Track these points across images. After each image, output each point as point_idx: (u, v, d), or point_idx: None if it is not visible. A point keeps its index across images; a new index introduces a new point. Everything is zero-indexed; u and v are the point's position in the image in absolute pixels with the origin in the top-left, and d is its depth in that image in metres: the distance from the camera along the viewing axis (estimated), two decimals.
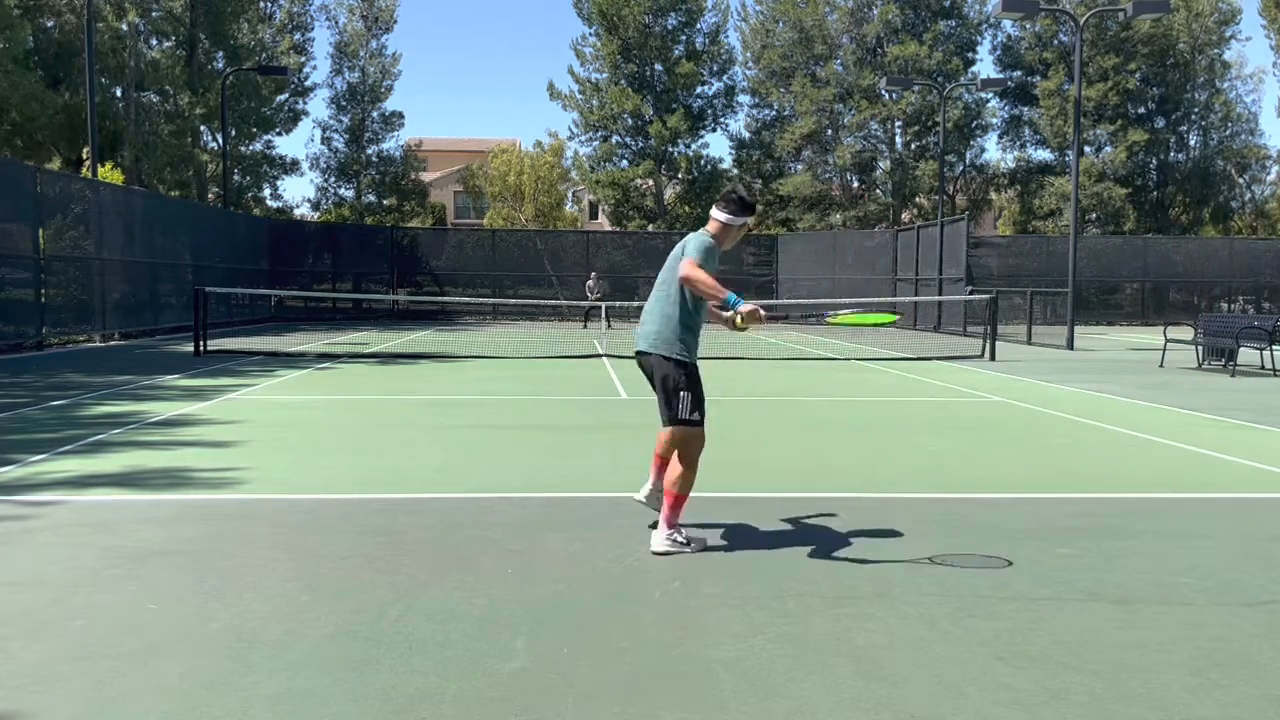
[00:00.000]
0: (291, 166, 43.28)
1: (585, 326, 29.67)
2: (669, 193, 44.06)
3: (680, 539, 4.91)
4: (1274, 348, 15.12)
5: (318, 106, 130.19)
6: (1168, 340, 17.00)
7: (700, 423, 4.96)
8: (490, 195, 50.69)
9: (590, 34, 43.20)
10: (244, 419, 9.33)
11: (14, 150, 29.78)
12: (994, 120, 45.01)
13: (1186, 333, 17.27)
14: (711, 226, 5.07)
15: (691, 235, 5.03)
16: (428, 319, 33.10)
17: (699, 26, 42.85)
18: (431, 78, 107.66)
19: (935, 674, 3.42)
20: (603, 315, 25.07)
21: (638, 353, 5.08)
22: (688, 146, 42.81)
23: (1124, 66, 42.10)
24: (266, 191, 43.74)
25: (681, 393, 4.91)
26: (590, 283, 31.22)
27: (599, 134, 43.72)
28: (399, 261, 35.33)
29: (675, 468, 4.96)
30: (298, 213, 46.05)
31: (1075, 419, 10.00)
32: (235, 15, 36.90)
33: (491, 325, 31.35)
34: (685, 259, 4.83)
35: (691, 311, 4.95)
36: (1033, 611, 4.07)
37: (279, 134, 42.56)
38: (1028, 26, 42.60)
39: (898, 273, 31.48)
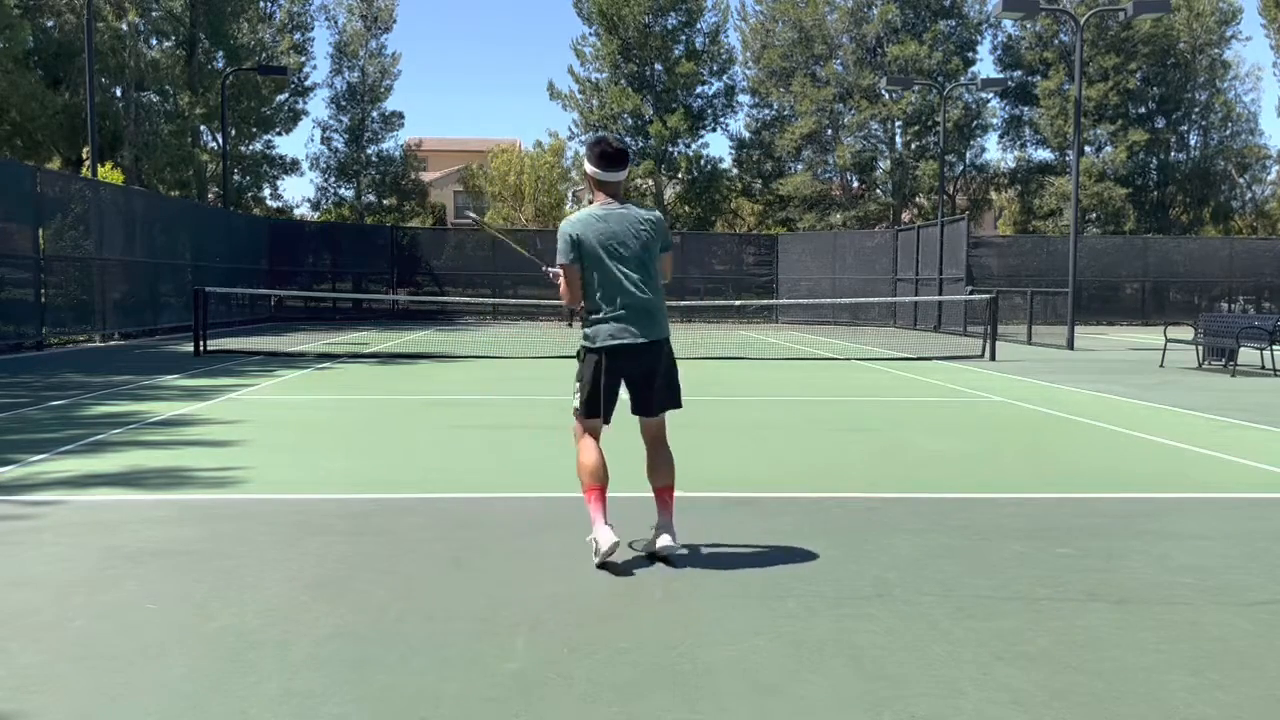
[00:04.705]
0: (291, 166, 43.30)
1: (570, 325, 29.63)
2: (669, 193, 44.06)
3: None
4: (1274, 348, 15.12)
5: (318, 106, 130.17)
6: (1168, 340, 16.99)
7: None
8: (490, 195, 50.65)
9: (590, 34, 43.21)
10: (244, 419, 9.33)
11: (14, 150, 29.77)
12: (994, 120, 45.03)
13: (1187, 333, 17.26)
14: (598, 196, 4.71)
15: (652, 214, 4.71)
16: (428, 319, 33.09)
17: (699, 26, 42.83)
18: (431, 78, 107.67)
19: (935, 674, 3.41)
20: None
21: (651, 343, 4.63)
22: (688, 146, 42.81)
23: (1124, 66, 42.08)
24: (266, 191, 43.79)
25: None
26: None
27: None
28: (399, 261, 35.33)
29: (667, 456, 4.76)
30: (298, 213, 46.08)
31: (1075, 419, 10.00)
32: (235, 15, 36.91)
33: (491, 325, 31.35)
34: (669, 255, 4.79)
35: None
36: (1033, 611, 4.07)
37: (279, 134, 42.61)
38: (1028, 26, 42.57)
39: (898, 273, 31.48)
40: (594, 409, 4.68)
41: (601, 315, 4.61)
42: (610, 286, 4.58)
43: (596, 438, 4.75)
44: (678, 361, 4.88)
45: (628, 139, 43.13)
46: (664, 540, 4.64)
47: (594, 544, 4.55)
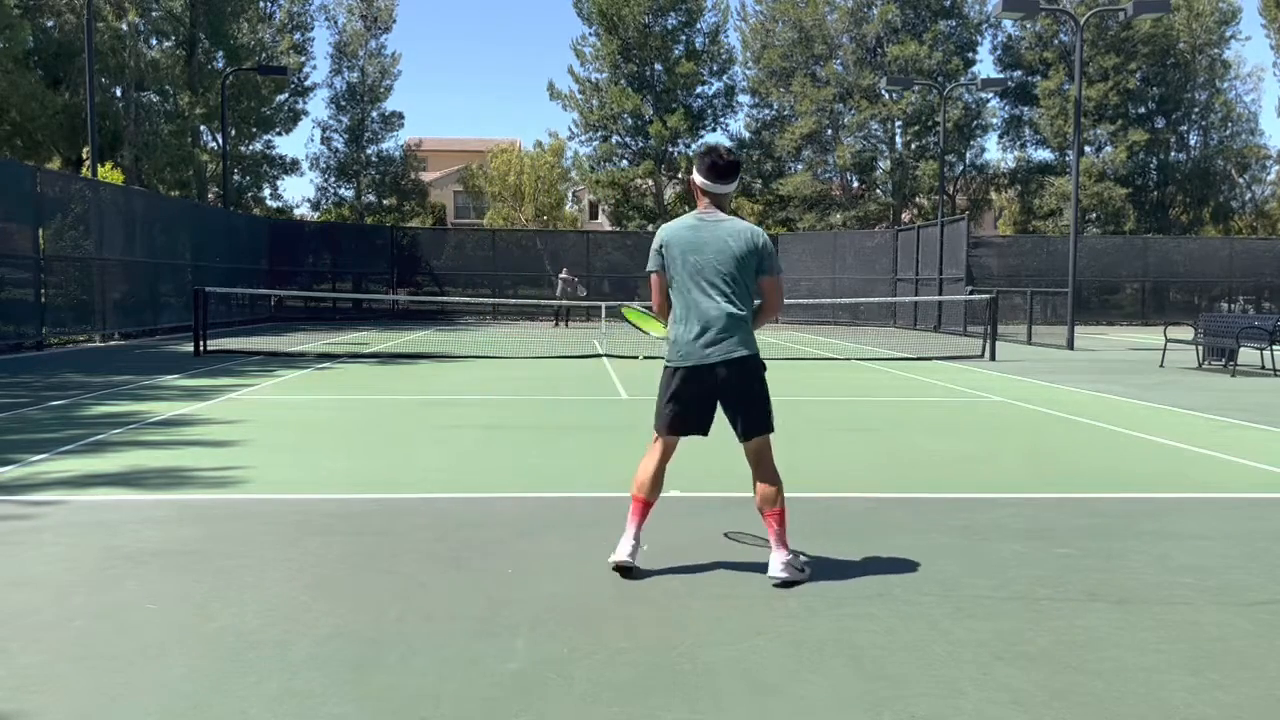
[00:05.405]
0: (291, 166, 43.35)
1: (557, 325, 29.68)
2: (669, 193, 44.07)
3: (798, 564, 4.45)
4: (1274, 348, 15.12)
5: (317, 106, 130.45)
6: (1168, 340, 16.99)
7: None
8: (490, 195, 50.66)
9: (590, 34, 43.24)
10: (244, 419, 9.33)
11: (14, 150, 29.78)
12: (994, 120, 45.06)
13: (1187, 333, 17.26)
14: (700, 203, 4.53)
15: (750, 230, 4.44)
16: (428, 319, 33.09)
17: (699, 26, 42.88)
18: (431, 78, 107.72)
19: (935, 674, 3.41)
20: (567, 314, 24.70)
21: (724, 363, 4.36)
22: (688, 146, 42.82)
23: (1124, 66, 42.10)
24: (266, 191, 43.84)
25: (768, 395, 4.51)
26: (564, 276, 31.00)
27: (599, 134, 43.75)
28: (399, 261, 35.34)
29: (768, 479, 4.47)
30: (298, 213, 46.15)
31: (1075, 419, 10.00)
32: (235, 15, 36.92)
33: (491, 325, 31.34)
34: (778, 276, 4.51)
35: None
36: (1033, 611, 4.07)
37: (279, 134, 42.68)
38: (1028, 26, 42.59)
39: (898, 273, 31.50)
40: (667, 425, 4.50)
41: (676, 329, 4.45)
42: (685, 299, 4.40)
43: (667, 452, 4.56)
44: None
45: (628, 140, 43.19)
46: (774, 572, 4.38)
47: (616, 547, 4.52)
